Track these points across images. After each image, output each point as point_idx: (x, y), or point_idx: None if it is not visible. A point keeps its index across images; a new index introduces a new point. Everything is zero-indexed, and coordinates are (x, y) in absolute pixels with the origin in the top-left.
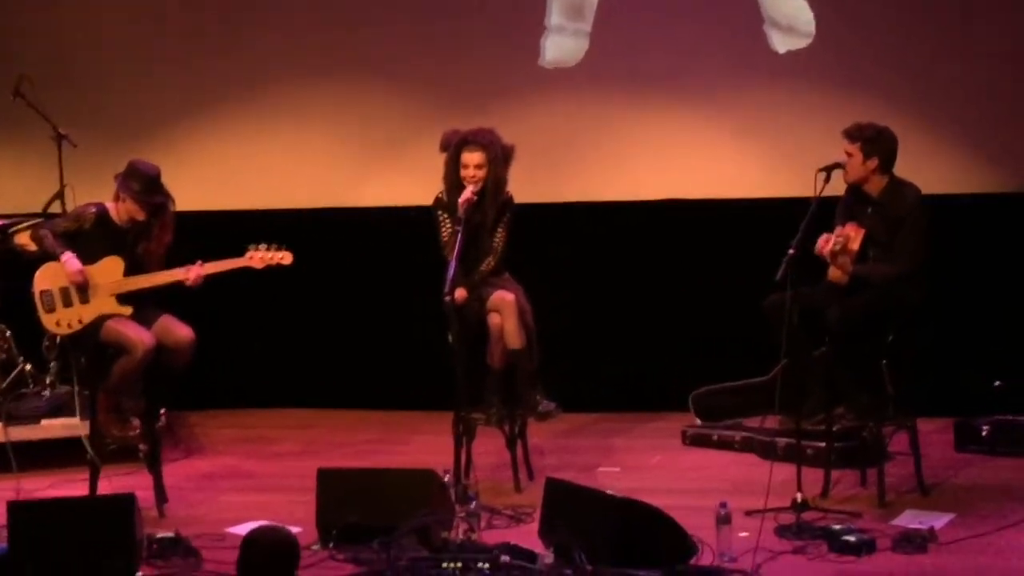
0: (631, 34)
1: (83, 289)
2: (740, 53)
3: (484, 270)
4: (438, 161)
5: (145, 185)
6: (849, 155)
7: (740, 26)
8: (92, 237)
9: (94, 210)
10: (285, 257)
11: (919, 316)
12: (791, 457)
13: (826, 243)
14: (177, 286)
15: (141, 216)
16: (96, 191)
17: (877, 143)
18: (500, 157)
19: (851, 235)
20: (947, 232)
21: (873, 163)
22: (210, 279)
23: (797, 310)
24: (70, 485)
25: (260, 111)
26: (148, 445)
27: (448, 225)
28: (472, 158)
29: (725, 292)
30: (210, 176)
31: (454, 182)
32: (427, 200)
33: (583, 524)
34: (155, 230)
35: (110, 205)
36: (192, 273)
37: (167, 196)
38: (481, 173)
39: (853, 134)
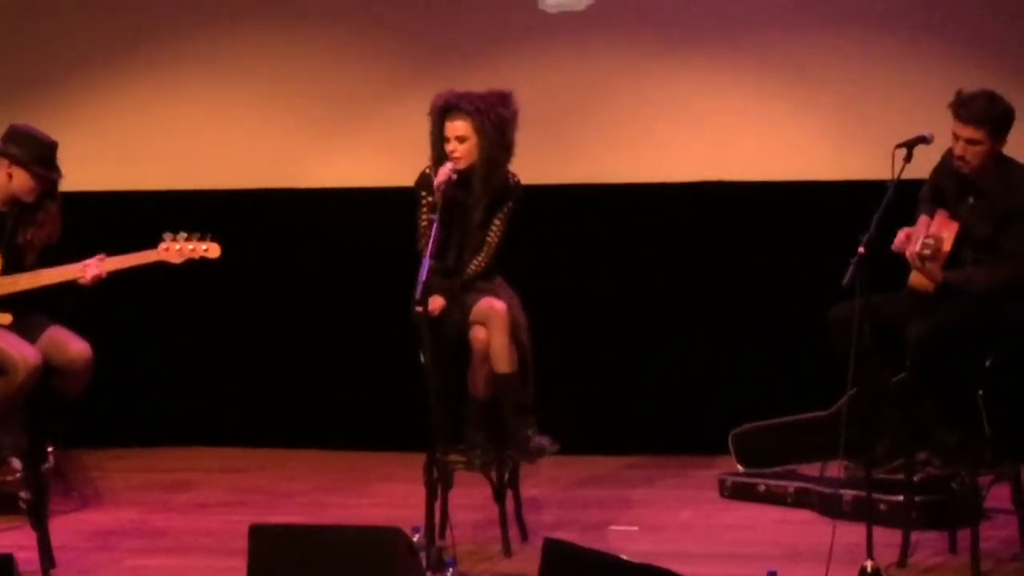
0: None
1: None
2: None
3: (471, 272)
4: (415, 132)
5: (43, 153)
6: (973, 142)
7: None
8: None
9: None
10: (210, 250)
11: None
12: (859, 514)
13: (907, 240)
14: (69, 287)
15: (31, 195)
16: None
17: (1006, 123)
18: (493, 128)
19: (943, 235)
20: None
21: (1001, 146)
22: (112, 277)
23: (869, 325)
24: None
25: (181, 66)
26: (31, 493)
27: (427, 209)
28: (454, 127)
29: (777, 302)
30: (113, 148)
31: (438, 157)
32: (386, 181)
33: None
34: (40, 216)
35: None
36: (90, 270)
37: (59, 173)
38: (463, 148)
39: (978, 118)
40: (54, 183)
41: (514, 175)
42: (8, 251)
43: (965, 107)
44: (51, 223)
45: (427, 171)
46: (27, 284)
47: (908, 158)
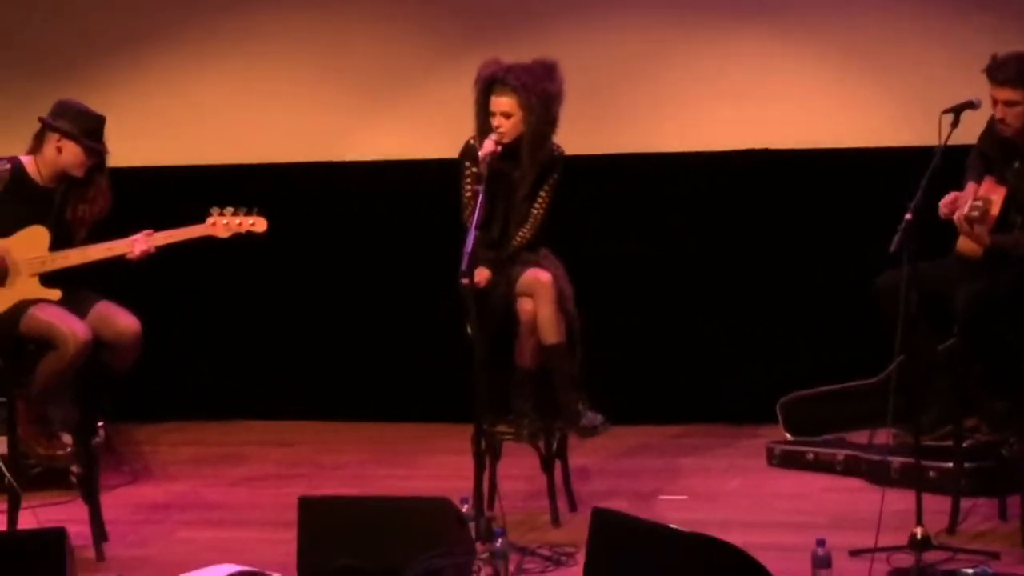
0: None
1: None
2: None
3: (516, 244)
4: (457, 102)
5: (92, 126)
6: (1011, 103)
7: None
8: (5, 201)
9: (9, 166)
10: (257, 224)
11: None
12: (908, 482)
13: (953, 203)
14: (117, 263)
15: (81, 170)
16: (5, 144)
17: None
18: (538, 104)
19: (992, 198)
20: None
21: None
22: (160, 252)
23: (917, 292)
24: None
25: (225, 42)
26: (82, 467)
27: (472, 180)
28: (500, 103)
29: (824, 269)
30: (159, 123)
31: (484, 128)
32: (441, 152)
33: (639, 567)
34: (91, 192)
35: (26, 159)
36: (138, 246)
37: (107, 150)
38: (509, 124)
39: (1013, 77)
40: (103, 156)
41: (558, 146)
42: (57, 227)
43: (999, 69)
44: (102, 197)
45: (471, 142)
46: (76, 260)
47: (955, 123)
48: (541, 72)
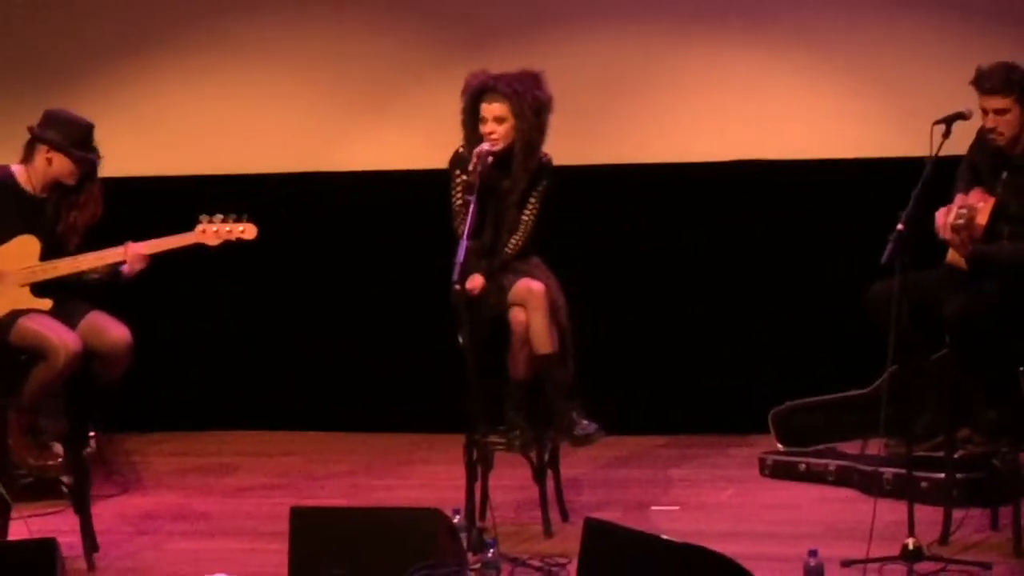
0: None
1: None
2: None
3: (508, 252)
4: (445, 113)
5: (80, 136)
6: (1001, 112)
7: None
8: None
9: None
10: (247, 231)
11: None
12: (901, 492)
13: (946, 217)
14: (111, 284)
15: (72, 178)
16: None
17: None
18: (530, 111)
19: (978, 206)
20: None
21: None
22: (150, 262)
23: (908, 302)
24: None
25: (215, 51)
26: (73, 477)
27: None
28: (491, 109)
29: (816, 280)
30: (148, 133)
31: (472, 137)
32: (429, 163)
33: None
34: (82, 198)
35: (17, 169)
36: (130, 251)
37: (98, 155)
38: (501, 129)
39: (1001, 85)
40: (94, 164)
41: (546, 154)
42: (48, 237)
43: (986, 79)
44: (93, 203)
45: (460, 150)
46: (67, 269)
47: (947, 134)
48: (530, 81)
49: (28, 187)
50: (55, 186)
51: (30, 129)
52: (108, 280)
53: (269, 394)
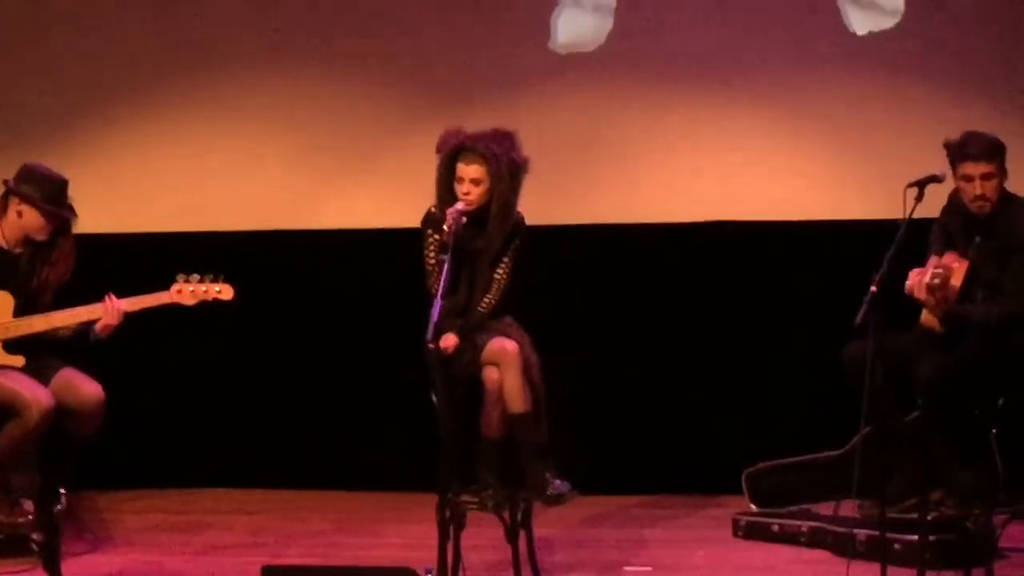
0: (668, 10)
1: None
2: (808, 35)
3: (482, 311)
4: (421, 172)
5: (53, 191)
6: (989, 176)
7: (807, 0)
8: None
9: None
10: (224, 291)
11: None
12: (874, 554)
13: (919, 278)
14: (85, 342)
15: (44, 234)
16: None
17: (1004, 154)
18: (506, 173)
19: (953, 267)
20: None
21: (1005, 180)
22: (123, 320)
23: (882, 364)
24: None
25: (192, 109)
26: (44, 535)
27: (435, 248)
28: (468, 171)
29: (791, 341)
30: (124, 190)
31: (446, 196)
32: (399, 222)
33: None
34: (54, 254)
35: None
36: (113, 303)
37: (72, 211)
38: (478, 191)
39: (988, 151)
40: (66, 220)
41: (519, 213)
42: (22, 293)
43: (974, 145)
44: (64, 260)
45: (432, 210)
46: (40, 326)
47: (920, 197)
48: (506, 141)
49: (2, 242)
50: (29, 241)
51: (4, 183)
52: (79, 338)
53: (242, 452)
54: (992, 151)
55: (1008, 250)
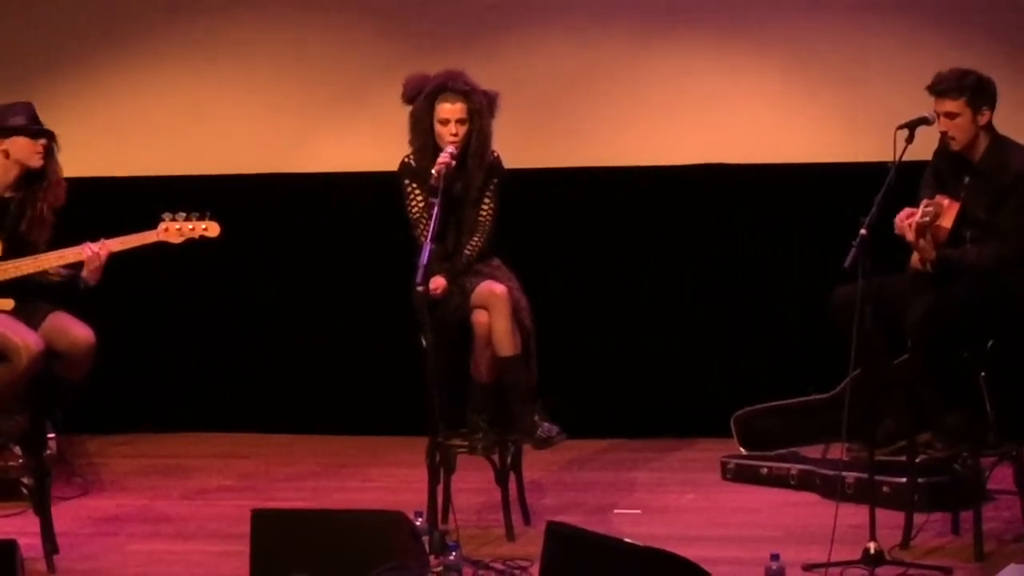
0: None
1: None
2: None
3: (469, 253)
4: (397, 118)
5: (27, 113)
6: (952, 115)
7: None
8: None
9: None
10: (210, 228)
11: None
12: (862, 496)
13: (909, 218)
14: (74, 289)
15: (37, 158)
16: None
17: (985, 93)
18: (485, 107)
19: (944, 203)
20: None
21: (986, 118)
22: (113, 261)
23: (871, 307)
24: None
25: (178, 52)
26: (33, 479)
27: (419, 198)
28: (453, 110)
29: (777, 284)
30: (111, 133)
31: (426, 142)
32: (388, 165)
33: None
34: (45, 183)
35: None
36: (91, 249)
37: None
38: (463, 129)
39: (951, 88)
40: (51, 135)
41: (494, 151)
42: (10, 237)
43: (938, 82)
44: (57, 184)
45: (407, 160)
46: (29, 268)
47: (910, 139)
48: (468, 77)
49: None
50: (17, 184)
51: None
52: (68, 284)
53: (231, 396)
54: (958, 89)
55: (999, 193)
